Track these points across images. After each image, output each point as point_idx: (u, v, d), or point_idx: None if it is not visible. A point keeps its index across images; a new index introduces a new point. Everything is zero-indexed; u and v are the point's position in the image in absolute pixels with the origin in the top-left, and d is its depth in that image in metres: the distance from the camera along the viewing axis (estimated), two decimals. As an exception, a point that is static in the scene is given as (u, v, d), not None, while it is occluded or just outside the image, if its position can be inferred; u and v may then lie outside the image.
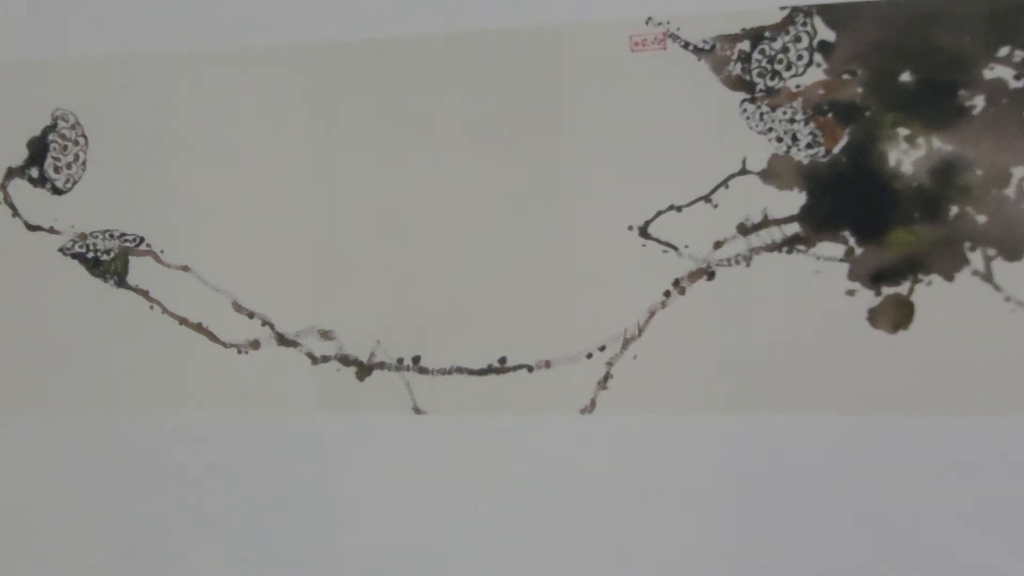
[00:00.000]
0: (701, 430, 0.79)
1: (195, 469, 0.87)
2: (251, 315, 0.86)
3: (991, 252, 0.75)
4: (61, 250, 0.89)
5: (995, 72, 0.74)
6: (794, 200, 0.77)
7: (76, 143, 0.88)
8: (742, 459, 0.79)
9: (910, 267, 0.76)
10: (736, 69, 0.78)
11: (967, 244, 0.75)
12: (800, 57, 0.77)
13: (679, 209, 0.79)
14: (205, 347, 0.86)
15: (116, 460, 0.88)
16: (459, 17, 0.81)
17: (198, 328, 0.87)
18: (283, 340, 0.85)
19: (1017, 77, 0.74)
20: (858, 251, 0.76)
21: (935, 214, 0.75)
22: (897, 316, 0.76)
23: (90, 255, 0.88)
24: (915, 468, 0.76)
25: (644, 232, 0.80)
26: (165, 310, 0.87)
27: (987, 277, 0.75)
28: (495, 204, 0.82)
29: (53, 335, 0.89)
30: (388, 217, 0.83)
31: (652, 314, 0.79)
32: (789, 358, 0.77)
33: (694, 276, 0.79)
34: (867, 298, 0.76)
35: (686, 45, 0.78)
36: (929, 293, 0.75)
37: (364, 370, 0.84)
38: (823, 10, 0.76)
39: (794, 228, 0.77)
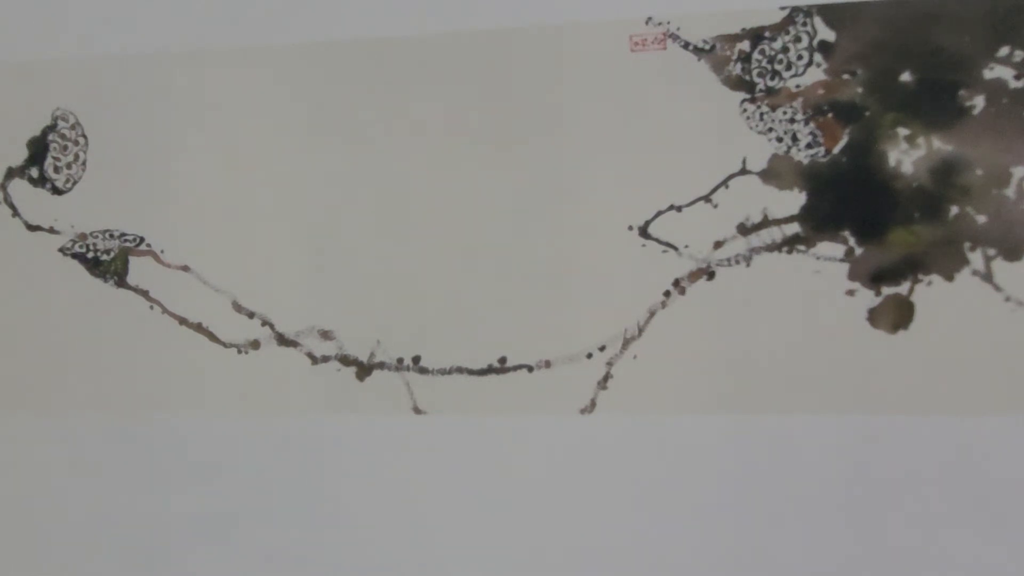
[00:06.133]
0: (701, 430, 0.79)
1: (195, 469, 0.87)
2: (251, 315, 0.86)
3: (991, 252, 0.75)
4: (61, 250, 0.89)
5: (995, 72, 0.74)
6: (794, 200, 0.77)
7: (76, 143, 0.88)
8: (742, 459, 0.79)
9: (910, 267, 0.76)
10: (736, 69, 0.78)
11: (967, 244, 0.75)
12: (800, 57, 0.77)
13: (679, 209, 0.79)
14: (205, 347, 0.86)
15: (116, 460, 0.88)
16: (459, 17, 0.81)
17: (198, 328, 0.87)
18: (283, 340, 0.85)
19: (1017, 77, 0.74)
20: (858, 251, 0.76)
21: (935, 214, 0.75)
22: (897, 316, 0.76)
23: (90, 255, 0.88)
24: (915, 468, 0.76)
25: (644, 232, 0.79)
26: (165, 310, 0.87)
27: (987, 277, 0.75)
28: (495, 204, 0.82)
29: (53, 335, 0.89)
30: (388, 217, 0.83)
31: (652, 314, 0.79)
32: (789, 358, 0.77)
33: (694, 276, 0.79)
34: (867, 298, 0.76)
35: (686, 45, 0.78)
36: (929, 293, 0.75)
37: (364, 370, 0.84)
38: (823, 10, 0.76)
39: (794, 228, 0.77)
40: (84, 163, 0.88)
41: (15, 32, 0.89)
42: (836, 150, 0.77)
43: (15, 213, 0.89)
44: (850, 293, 0.77)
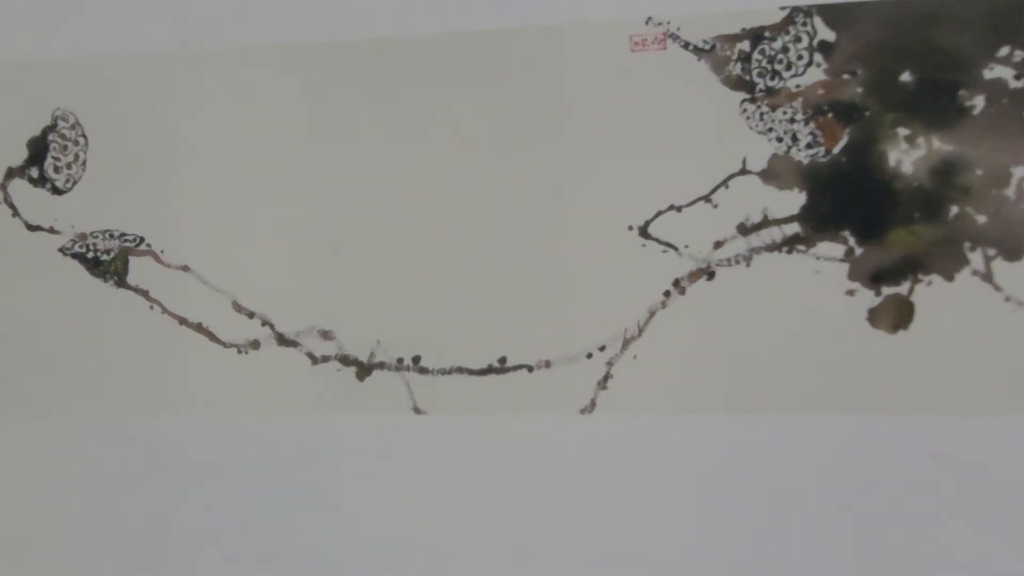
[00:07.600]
0: (701, 430, 0.79)
1: (195, 469, 0.87)
2: (251, 315, 0.86)
3: (991, 252, 0.75)
4: (61, 250, 0.89)
5: (995, 72, 0.74)
6: (794, 200, 0.77)
7: (76, 143, 0.88)
8: (742, 459, 0.79)
9: (910, 267, 0.76)
10: (736, 69, 0.78)
11: (967, 244, 0.75)
12: (800, 57, 0.77)
13: (679, 209, 0.79)
14: (205, 347, 0.86)
15: (116, 460, 0.88)
16: (459, 17, 0.81)
17: (198, 328, 0.87)
18: (283, 340, 0.85)
19: (1017, 77, 0.74)
20: (858, 251, 0.76)
21: (935, 214, 0.75)
22: (897, 316, 0.76)
23: (90, 255, 0.88)
24: (914, 468, 0.76)
25: (644, 232, 0.80)
26: (165, 310, 0.87)
27: (987, 277, 0.75)
28: (495, 204, 0.82)
29: (53, 335, 0.89)
30: (388, 217, 0.83)
31: (652, 314, 0.79)
32: (789, 358, 0.77)
33: (694, 276, 0.79)
34: (867, 298, 0.76)
35: (686, 45, 0.78)
36: (929, 293, 0.75)
37: (364, 370, 0.84)
38: (823, 10, 0.76)
39: (794, 228, 0.77)
40: (84, 163, 0.88)
41: (15, 32, 0.89)
42: (836, 150, 0.77)
43: (15, 213, 0.89)
44: (850, 293, 0.77)
